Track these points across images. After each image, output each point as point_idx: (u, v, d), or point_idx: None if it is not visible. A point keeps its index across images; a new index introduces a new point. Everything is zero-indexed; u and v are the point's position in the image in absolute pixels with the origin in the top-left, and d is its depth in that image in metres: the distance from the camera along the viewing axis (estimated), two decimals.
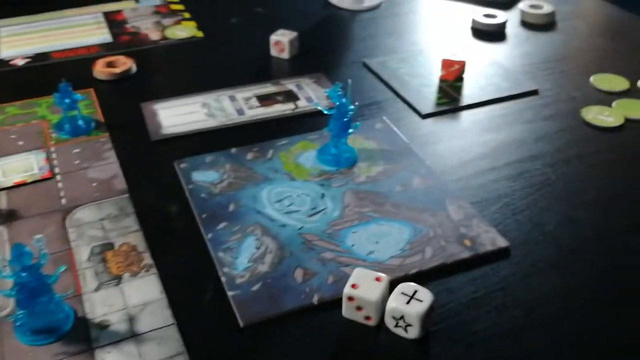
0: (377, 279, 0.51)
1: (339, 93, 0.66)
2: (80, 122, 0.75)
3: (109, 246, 0.58)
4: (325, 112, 0.67)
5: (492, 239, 0.59)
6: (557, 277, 0.56)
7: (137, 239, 0.59)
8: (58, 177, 0.67)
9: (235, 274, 0.55)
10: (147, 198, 0.64)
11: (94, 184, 0.66)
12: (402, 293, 0.50)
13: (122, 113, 0.78)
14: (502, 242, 0.59)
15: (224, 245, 0.58)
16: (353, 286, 0.50)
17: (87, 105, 0.80)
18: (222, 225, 0.61)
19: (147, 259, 0.57)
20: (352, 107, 0.67)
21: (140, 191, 0.65)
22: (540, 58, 0.92)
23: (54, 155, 0.70)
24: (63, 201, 0.64)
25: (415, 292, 0.50)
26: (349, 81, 0.66)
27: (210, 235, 0.59)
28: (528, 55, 0.93)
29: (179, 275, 0.56)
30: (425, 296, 0.49)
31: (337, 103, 0.66)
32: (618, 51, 0.95)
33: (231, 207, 0.63)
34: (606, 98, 0.82)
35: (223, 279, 0.55)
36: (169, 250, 0.58)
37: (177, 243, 0.59)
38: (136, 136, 0.74)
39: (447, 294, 0.54)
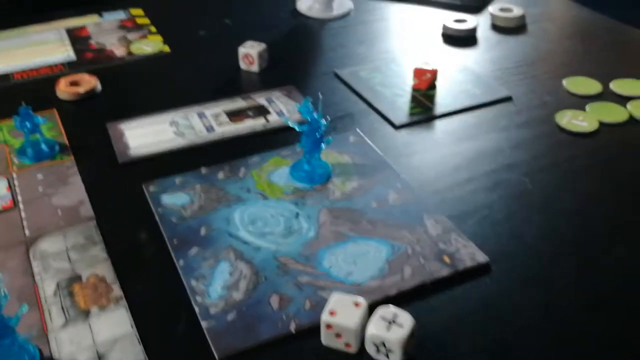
0: (356, 304, 0.49)
1: (310, 108, 0.64)
2: (43, 146, 0.72)
3: (76, 279, 0.56)
4: (297, 128, 0.66)
5: (471, 254, 0.58)
6: (539, 290, 0.55)
7: (105, 269, 0.57)
8: (21, 206, 0.64)
9: (209, 303, 0.53)
10: (115, 224, 0.62)
11: (59, 212, 0.64)
12: (382, 318, 0.48)
13: (88, 135, 0.76)
14: (481, 257, 0.57)
15: (197, 272, 0.56)
16: (331, 313, 0.49)
17: (50, 127, 0.77)
18: (194, 250, 0.59)
19: (117, 290, 0.55)
20: (324, 122, 0.65)
21: (107, 217, 0.63)
22: (512, 62, 0.92)
23: (16, 183, 0.68)
24: (26, 231, 0.61)
25: (396, 316, 0.48)
26: (320, 95, 0.64)
27: (181, 262, 0.57)
28: (500, 60, 0.93)
29: (150, 307, 0.54)
30: (406, 321, 0.48)
31: (309, 119, 0.65)
32: (589, 53, 0.95)
33: (203, 231, 0.61)
34: (579, 102, 0.81)
35: (196, 309, 0.53)
36: (139, 279, 0.56)
37: (147, 272, 0.57)
38: (103, 159, 0.72)
39: (428, 315, 0.52)
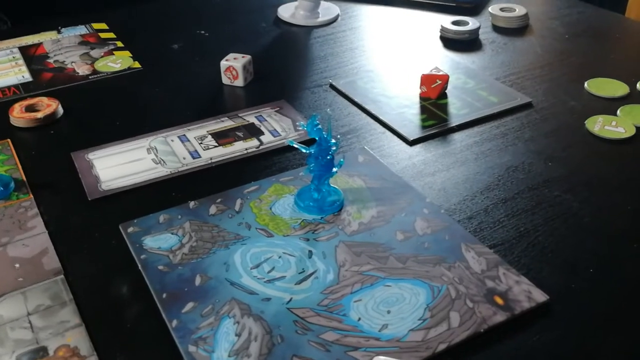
0: None
1: (318, 126, 0.54)
2: None
3: (42, 352, 0.44)
4: (304, 150, 0.55)
5: (527, 293, 0.48)
6: (617, 335, 0.45)
7: (79, 338, 0.45)
8: None
9: None
10: (89, 277, 0.51)
11: (17, 265, 0.52)
12: None
13: (49, 168, 0.64)
14: (540, 296, 0.48)
15: (195, 334, 0.45)
16: None
17: (3, 161, 0.65)
18: (188, 306, 0.47)
19: None
20: (334, 141, 0.55)
21: (78, 268, 0.51)
22: (524, 66, 0.83)
23: None
24: None
25: None
26: (329, 110, 0.54)
27: (174, 322, 0.46)
28: (510, 63, 0.84)
29: None
30: None
31: (317, 138, 0.54)
32: (605, 52, 0.87)
33: (198, 281, 0.50)
34: (608, 105, 0.73)
35: None
36: (123, 348, 0.45)
37: (132, 337, 0.46)
38: (69, 196, 0.60)
39: None
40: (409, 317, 0.46)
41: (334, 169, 0.56)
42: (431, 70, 0.75)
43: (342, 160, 0.57)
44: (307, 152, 0.55)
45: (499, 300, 0.47)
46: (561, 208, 0.57)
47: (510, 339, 0.45)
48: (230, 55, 0.80)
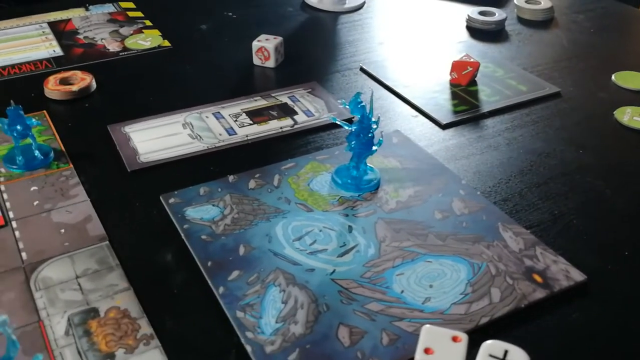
0: (455, 339, 0.40)
1: (362, 104, 0.55)
2: (37, 153, 0.61)
3: (93, 313, 0.45)
4: (346, 127, 0.56)
5: (565, 272, 0.49)
6: None
7: (128, 301, 0.46)
8: (14, 224, 0.53)
9: (263, 340, 0.43)
10: (133, 244, 0.52)
11: (62, 230, 0.53)
12: (491, 355, 0.39)
13: (86, 139, 0.65)
14: (577, 275, 0.49)
15: (242, 301, 0.46)
16: (427, 351, 0.39)
17: (41, 131, 0.66)
18: (234, 274, 0.48)
19: (145, 327, 0.44)
20: (374, 120, 0.56)
21: (122, 236, 0.52)
22: (551, 57, 0.84)
23: (5, 196, 0.56)
24: (24, 255, 0.50)
25: (506, 352, 0.39)
26: (372, 90, 0.55)
27: (221, 289, 0.47)
28: (537, 55, 0.85)
29: (189, 347, 0.43)
30: (520, 358, 0.39)
31: (359, 116, 0.55)
32: (631, 46, 0.88)
33: (242, 251, 0.51)
34: (635, 97, 0.74)
35: (248, 348, 0.43)
36: (171, 312, 0.46)
37: (180, 302, 0.47)
38: (108, 167, 0.61)
39: (534, 348, 0.43)
40: (451, 292, 0.47)
41: (374, 147, 0.57)
42: (462, 57, 0.76)
43: (381, 139, 0.58)
44: (349, 129, 0.56)
45: (538, 279, 0.48)
46: (594, 194, 0.58)
47: (550, 314, 0.46)
48: (262, 37, 0.80)
